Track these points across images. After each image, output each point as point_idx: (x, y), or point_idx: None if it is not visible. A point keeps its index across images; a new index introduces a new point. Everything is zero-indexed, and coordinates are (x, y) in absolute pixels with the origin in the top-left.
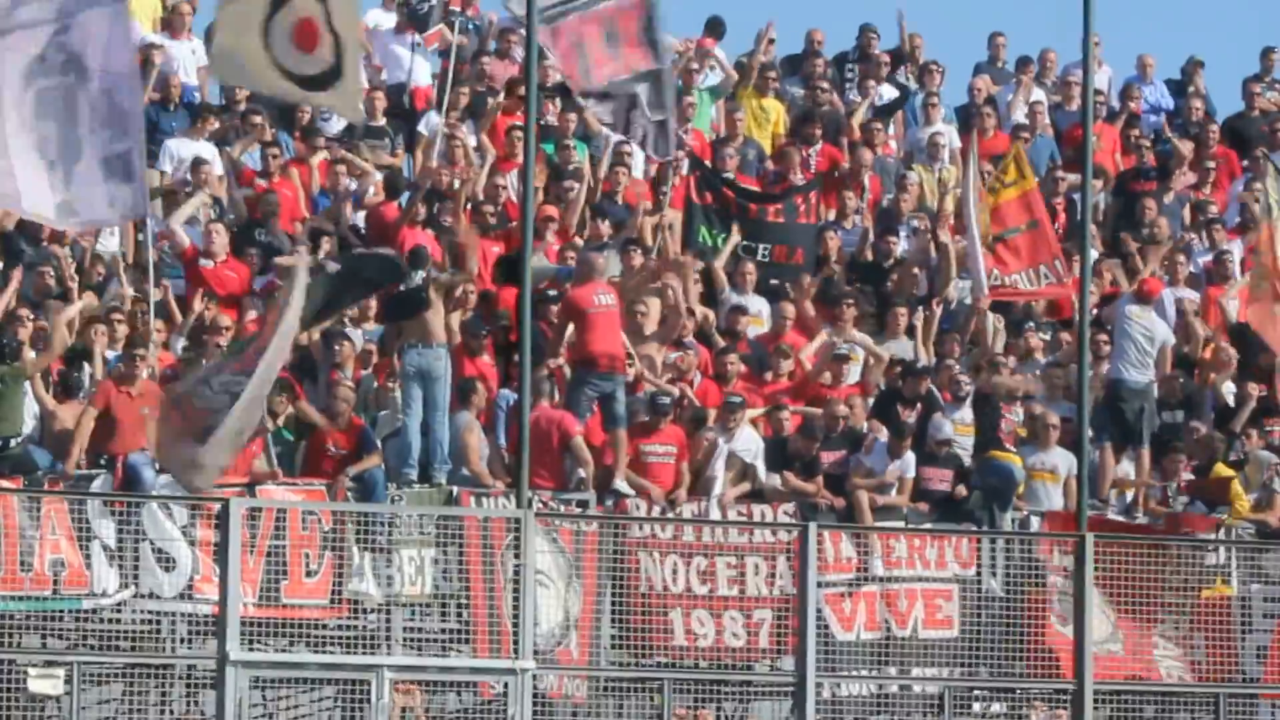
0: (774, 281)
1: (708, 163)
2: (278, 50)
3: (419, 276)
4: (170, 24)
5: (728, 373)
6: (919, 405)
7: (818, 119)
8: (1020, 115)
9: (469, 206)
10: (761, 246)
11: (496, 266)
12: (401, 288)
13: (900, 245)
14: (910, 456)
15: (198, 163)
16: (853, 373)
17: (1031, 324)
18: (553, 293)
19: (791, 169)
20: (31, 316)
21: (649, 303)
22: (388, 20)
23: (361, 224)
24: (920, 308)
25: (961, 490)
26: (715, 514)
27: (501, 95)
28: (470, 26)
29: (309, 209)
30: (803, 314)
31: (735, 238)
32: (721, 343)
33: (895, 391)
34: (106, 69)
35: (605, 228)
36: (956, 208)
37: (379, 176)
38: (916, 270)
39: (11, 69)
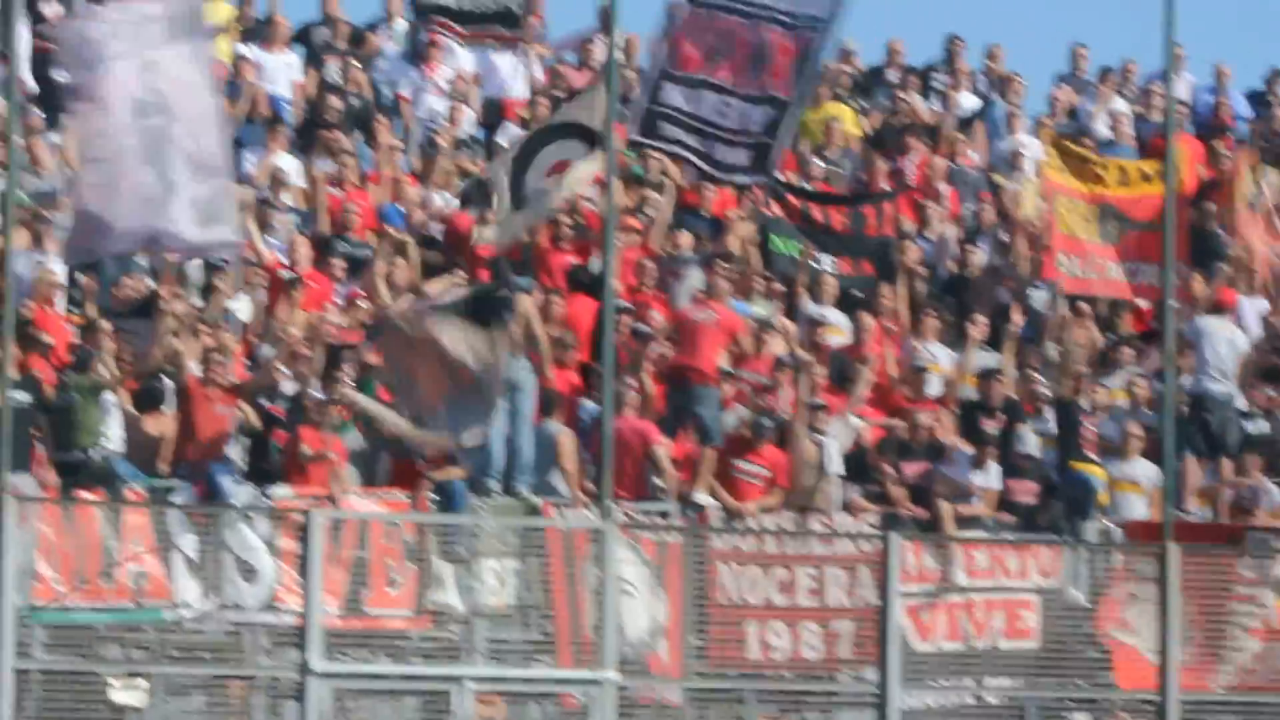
0: (856, 293)
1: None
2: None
3: (503, 287)
4: (264, 35)
5: (811, 384)
6: (1000, 415)
7: (910, 129)
8: (1102, 126)
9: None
10: (827, 259)
11: (569, 276)
12: (486, 298)
13: (980, 256)
14: (994, 468)
15: (276, 175)
16: (933, 384)
17: (1113, 335)
18: (628, 305)
19: (878, 179)
20: (111, 329)
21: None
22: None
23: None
24: (1001, 318)
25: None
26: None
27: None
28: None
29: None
30: (899, 321)
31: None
32: (804, 354)
33: (976, 402)
34: (189, 112)
35: (688, 240)
36: (1039, 218)
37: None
38: (997, 280)
39: (120, 107)
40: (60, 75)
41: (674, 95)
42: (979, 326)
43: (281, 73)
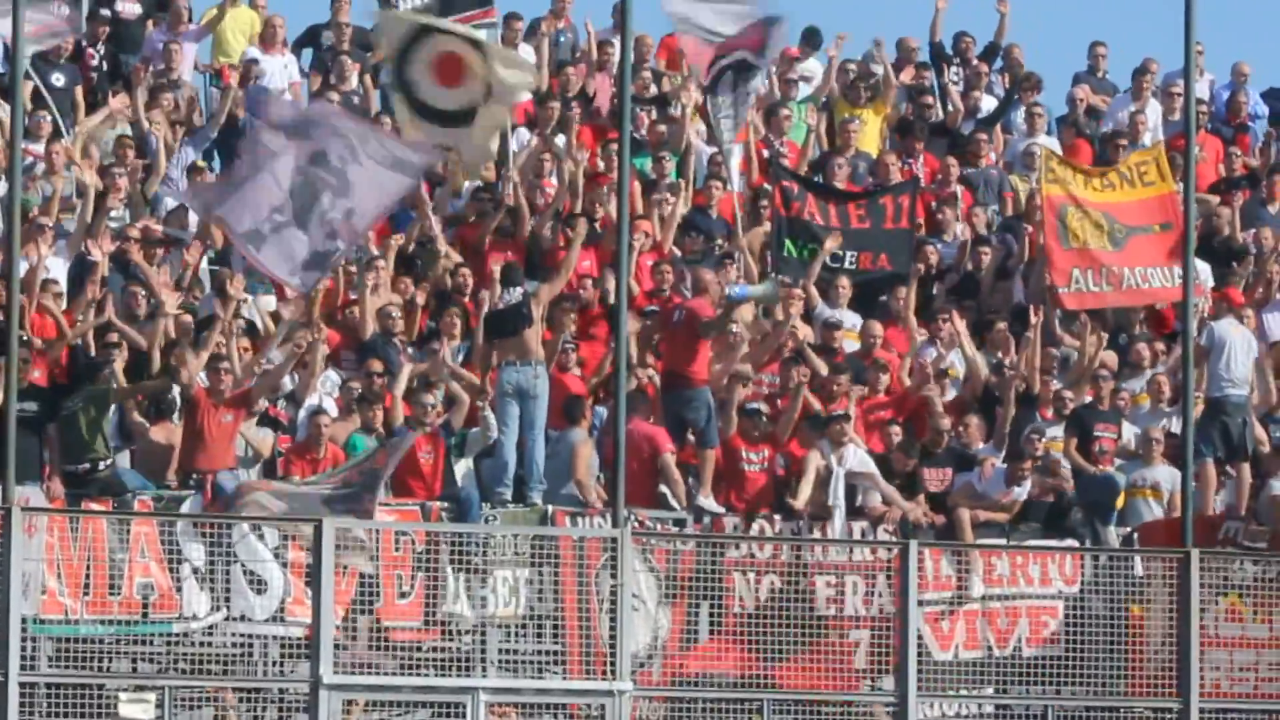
0: (882, 298)
1: (791, 168)
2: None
3: (518, 293)
4: (264, 38)
5: (833, 391)
6: (1014, 406)
7: (920, 129)
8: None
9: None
10: (849, 254)
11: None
12: (501, 305)
13: (995, 257)
14: (1028, 483)
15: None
16: (953, 387)
17: (1124, 336)
18: (652, 308)
19: (890, 178)
20: (119, 337)
21: (740, 318)
22: (491, 35)
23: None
24: (1017, 321)
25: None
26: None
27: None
28: (560, 39)
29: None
30: (906, 323)
31: (826, 249)
32: (817, 359)
33: (990, 395)
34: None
35: (699, 242)
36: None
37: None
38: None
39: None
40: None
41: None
42: (996, 330)
43: (279, 75)
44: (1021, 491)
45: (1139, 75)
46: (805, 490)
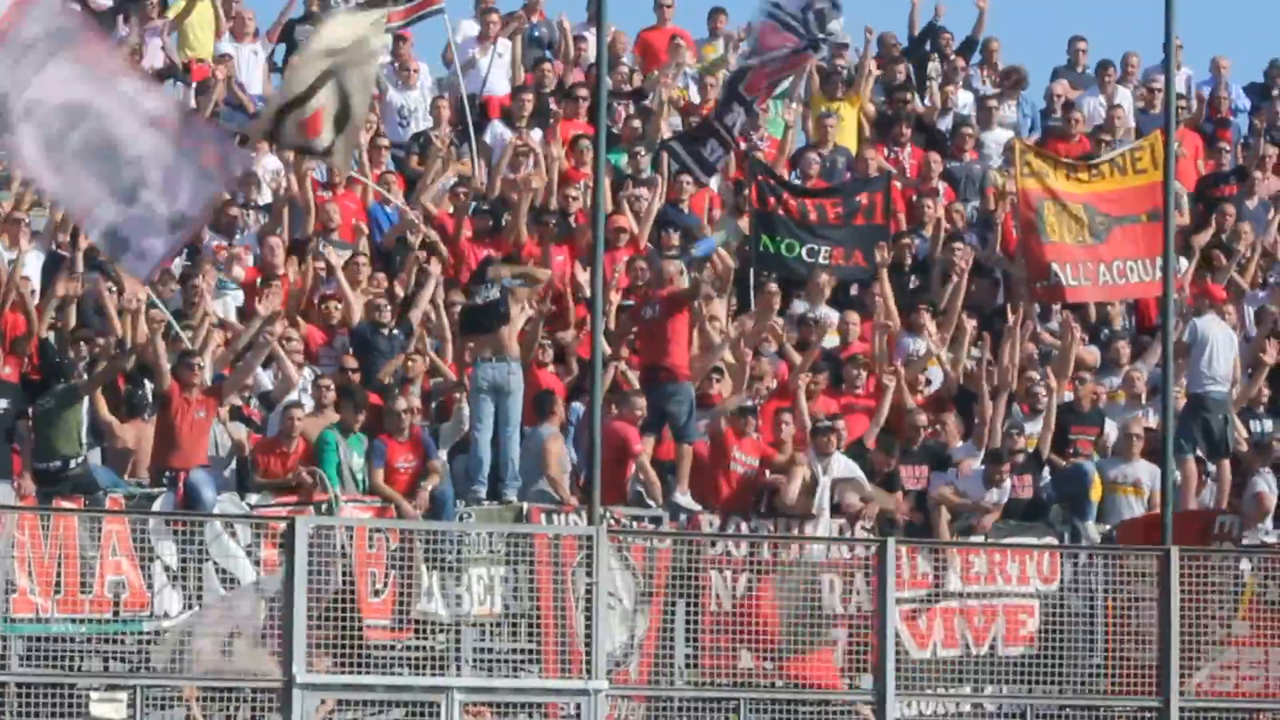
0: (854, 292)
1: (767, 164)
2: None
3: (495, 290)
4: (234, 30)
5: (810, 391)
6: (990, 404)
7: (903, 121)
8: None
9: (538, 216)
10: (822, 249)
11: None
12: (479, 300)
13: (975, 252)
14: (1007, 484)
15: (247, 177)
16: (934, 380)
17: (1107, 332)
18: (628, 303)
19: (869, 173)
20: (91, 333)
21: (716, 310)
22: (471, 29)
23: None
24: (996, 318)
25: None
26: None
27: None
28: (534, 33)
29: (366, 222)
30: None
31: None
32: (796, 356)
33: (966, 391)
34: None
35: (674, 237)
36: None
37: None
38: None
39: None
40: None
41: (737, 116)
42: (965, 325)
43: (251, 63)
44: (1000, 494)
45: (1103, 70)
46: (792, 491)
